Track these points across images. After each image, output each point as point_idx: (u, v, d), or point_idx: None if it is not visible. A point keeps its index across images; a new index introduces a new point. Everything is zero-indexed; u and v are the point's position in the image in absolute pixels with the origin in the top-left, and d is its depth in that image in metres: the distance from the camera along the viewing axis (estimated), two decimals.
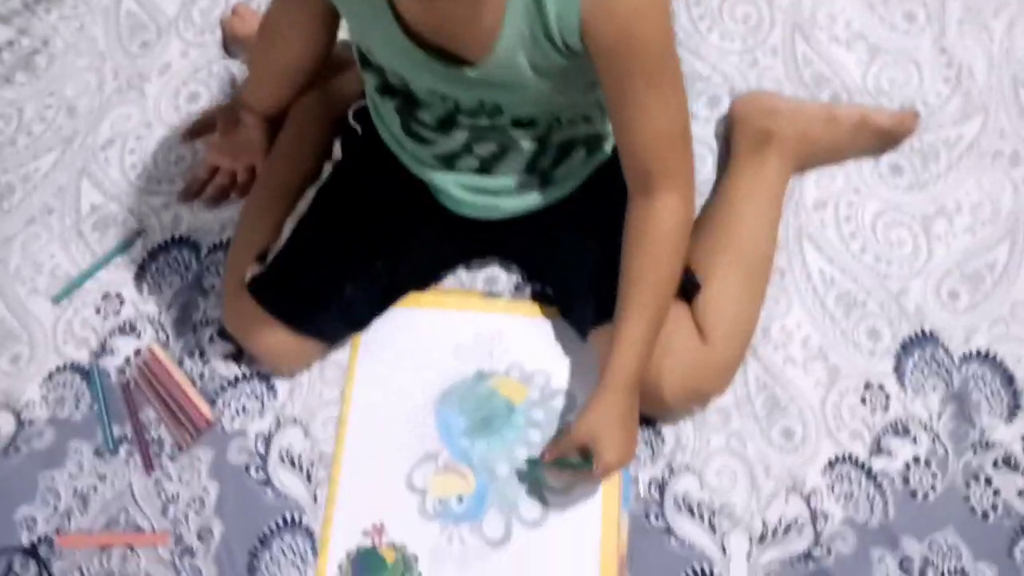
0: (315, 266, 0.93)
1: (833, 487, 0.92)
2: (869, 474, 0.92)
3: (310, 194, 0.97)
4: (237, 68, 1.16)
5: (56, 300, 1.03)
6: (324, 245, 0.93)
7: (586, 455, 0.83)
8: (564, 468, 0.87)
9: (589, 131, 0.88)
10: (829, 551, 0.90)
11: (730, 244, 0.92)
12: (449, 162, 0.88)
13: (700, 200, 1.00)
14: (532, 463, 0.91)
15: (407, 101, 0.83)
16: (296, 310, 0.92)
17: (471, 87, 0.76)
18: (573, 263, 0.92)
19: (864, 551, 0.89)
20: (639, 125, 0.76)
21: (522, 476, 0.92)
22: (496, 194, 0.90)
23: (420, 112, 0.84)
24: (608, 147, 0.92)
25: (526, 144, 0.84)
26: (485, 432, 0.95)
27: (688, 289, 0.88)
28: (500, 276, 1.03)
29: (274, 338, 0.93)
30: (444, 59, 0.74)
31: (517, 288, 1.02)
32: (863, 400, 0.95)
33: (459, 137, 0.84)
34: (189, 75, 1.16)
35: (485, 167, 0.88)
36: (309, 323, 0.93)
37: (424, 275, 1.00)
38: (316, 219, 0.94)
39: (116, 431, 0.97)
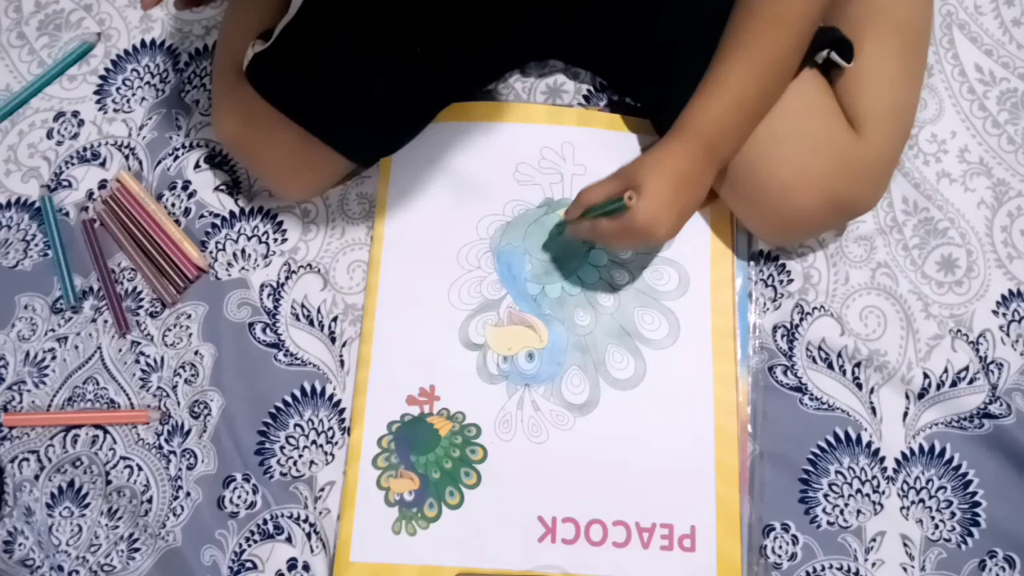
0: (337, 43, 0.69)
1: (1008, 329, 0.72)
2: None
3: None
4: None
5: None
6: (349, 16, 0.69)
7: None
8: (593, 217, 0.67)
9: None
10: (1009, 408, 0.70)
11: (881, 10, 0.70)
12: None
13: None
14: (559, 226, 0.75)
15: None
16: (311, 102, 0.69)
17: None
18: (679, 54, 0.70)
19: None
20: None
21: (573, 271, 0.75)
22: None
23: None
24: None
25: None
26: (557, 275, 0.74)
27: (838, 50, 0.67)
28: (566, 86, 0.81)
29: (281, 143, 0.70)
30: None
31: (588, 100, 0.80)
32: None
33: None
34: None
35: None
36: (328, 123, 0.70)
37: (470, 73, 0.77)
38: None
39: (78, 283, 0.76)
